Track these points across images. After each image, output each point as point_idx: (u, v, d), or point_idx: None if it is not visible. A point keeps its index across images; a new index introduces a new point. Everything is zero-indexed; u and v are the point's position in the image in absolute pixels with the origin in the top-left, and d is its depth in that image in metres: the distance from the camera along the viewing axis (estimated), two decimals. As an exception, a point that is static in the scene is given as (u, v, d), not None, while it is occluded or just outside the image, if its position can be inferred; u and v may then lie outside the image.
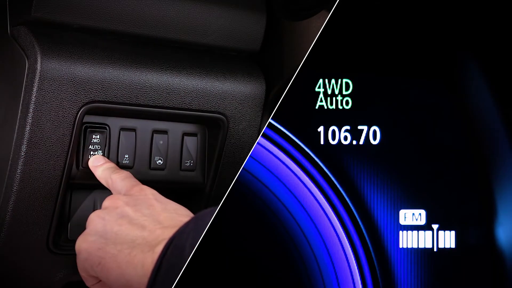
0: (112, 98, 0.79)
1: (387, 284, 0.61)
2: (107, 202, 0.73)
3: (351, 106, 0.61)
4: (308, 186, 0.61)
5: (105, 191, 0.83)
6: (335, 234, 0.61)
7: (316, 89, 0.61)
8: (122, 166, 0.82)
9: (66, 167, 0.77)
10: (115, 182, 0.77)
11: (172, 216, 0.69)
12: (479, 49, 0.63)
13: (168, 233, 0.64)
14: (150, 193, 0.73)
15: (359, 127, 0.61)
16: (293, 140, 0.61)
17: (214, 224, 0.59)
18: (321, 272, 0.61)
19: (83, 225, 0.81)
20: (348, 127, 0.61)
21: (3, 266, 0.80)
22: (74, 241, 0.82)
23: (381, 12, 0.62)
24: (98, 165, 0.79)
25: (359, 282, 0.61)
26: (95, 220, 0.71)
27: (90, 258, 0.69)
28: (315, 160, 0.61)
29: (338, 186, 0.61)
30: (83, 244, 0.71)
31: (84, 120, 0.78)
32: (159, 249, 0.63)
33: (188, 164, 0.87)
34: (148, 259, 0.64)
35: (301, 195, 0.61)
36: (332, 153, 0.61)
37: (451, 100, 0.63)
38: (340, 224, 0.61)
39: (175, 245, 0.62)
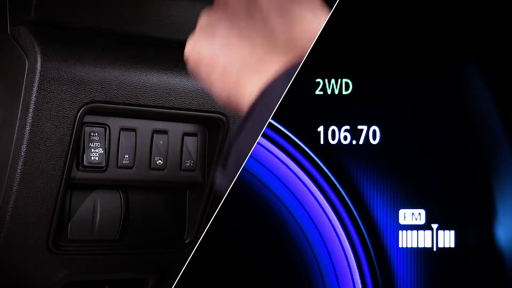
0: (112, 98, 0.79)
1: (387, 284, 0.61)
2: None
3: (351, 106, 0.61)
4: (308, 186, 0.61)
5: (105, 191, 0.83)
6: (335, 234, 0.61)
7: (316, 89, 0.61)
8: (122, 166, 0.82)
9: (66, 167, 0.77)
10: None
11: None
12: (479, 49, 0.63)
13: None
14: None
15: (359, 127, 0.61)
16: (293, 140, 0.61)
17: (214, 224, 0.59)
18: (321, 272, 0.61)
19: (83, 225, 0.81)
20: (348, 127, 0.61)
21: (3, 266, 0.80)
22: (74, 241, 0.82)
23: (381, 12, 0.62)
24: None
25: (359, 281, 0.61)
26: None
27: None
28: (315, 160, 0.61)
29: (338, 186, 0.61)
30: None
31: (84, 120, 0.78)
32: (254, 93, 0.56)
33: (188, 164, 0.87)
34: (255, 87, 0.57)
35: (301, 195, 0.61)
36: (332, 153, 0.61)
37: (451, 100, 0.63)
38: (340, 224, 0.61)
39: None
